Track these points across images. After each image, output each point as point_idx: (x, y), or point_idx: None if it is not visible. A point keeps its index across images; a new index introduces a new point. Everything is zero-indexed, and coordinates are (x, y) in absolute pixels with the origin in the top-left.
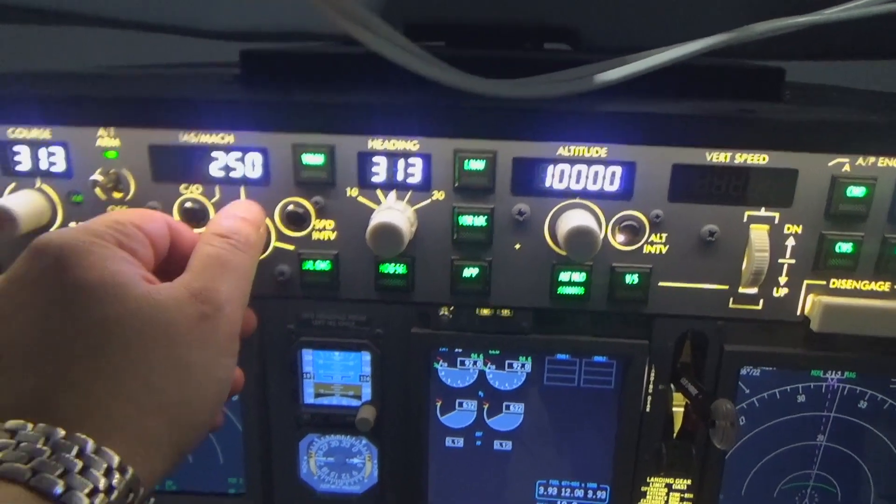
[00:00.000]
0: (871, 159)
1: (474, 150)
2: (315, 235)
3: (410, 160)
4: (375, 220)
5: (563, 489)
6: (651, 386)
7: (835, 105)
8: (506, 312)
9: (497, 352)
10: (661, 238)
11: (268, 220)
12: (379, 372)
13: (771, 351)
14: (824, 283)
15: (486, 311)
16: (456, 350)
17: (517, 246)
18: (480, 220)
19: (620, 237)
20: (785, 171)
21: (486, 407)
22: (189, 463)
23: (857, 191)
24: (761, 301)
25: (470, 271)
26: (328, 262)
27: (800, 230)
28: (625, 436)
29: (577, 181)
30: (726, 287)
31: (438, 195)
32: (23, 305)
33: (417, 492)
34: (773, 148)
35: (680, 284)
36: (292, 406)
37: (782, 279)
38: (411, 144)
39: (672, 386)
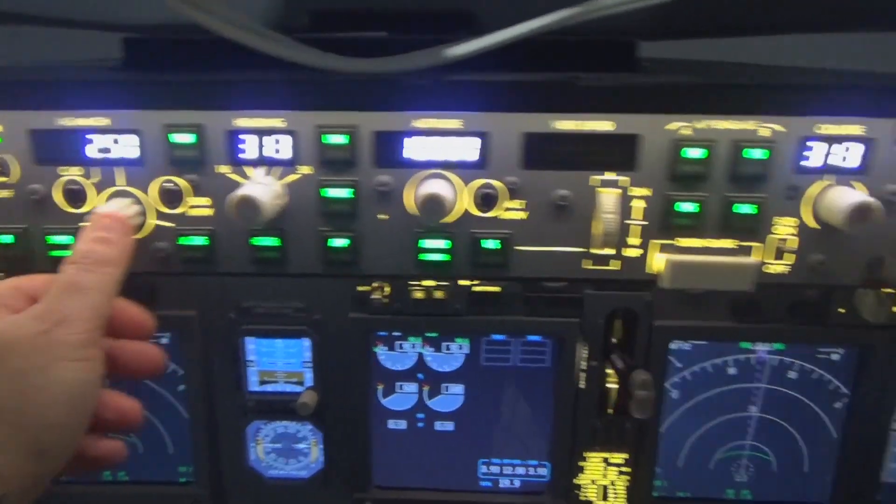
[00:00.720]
0: (709, 122)
1: (335, 124)
2: (191, 212)
3: (277, 137)
4: (233, 192)
5: (504, 467)
6: (584, 363)
7: (683, 73)
8: (439, 294)
9: (435, 334)
10: (518, 204)
11: (146, 199)
12: (319, 357)
13: (699, 325)
14: (671, 241)
15: (419, 294)
16: (395, 333)
17: (382, 216)
18: (345, 192)
19: (479, 204)
20: (628, 137)
21: (426, 389)
22: (139, 453)
23: (695, 152)
24: (614, 262)
25: (338, 242)
26: (205, 237)
27: (647, 192)
28: (561, 413)
29: (436, 152)
30: (580, 249)
31: (306, 169)
32: None
33: (363, 474)
34: (608, 111)
35: (538, 248)
36: (237, 394)
37: (632, 240)
38: (278, 121)
39: (605, 362)
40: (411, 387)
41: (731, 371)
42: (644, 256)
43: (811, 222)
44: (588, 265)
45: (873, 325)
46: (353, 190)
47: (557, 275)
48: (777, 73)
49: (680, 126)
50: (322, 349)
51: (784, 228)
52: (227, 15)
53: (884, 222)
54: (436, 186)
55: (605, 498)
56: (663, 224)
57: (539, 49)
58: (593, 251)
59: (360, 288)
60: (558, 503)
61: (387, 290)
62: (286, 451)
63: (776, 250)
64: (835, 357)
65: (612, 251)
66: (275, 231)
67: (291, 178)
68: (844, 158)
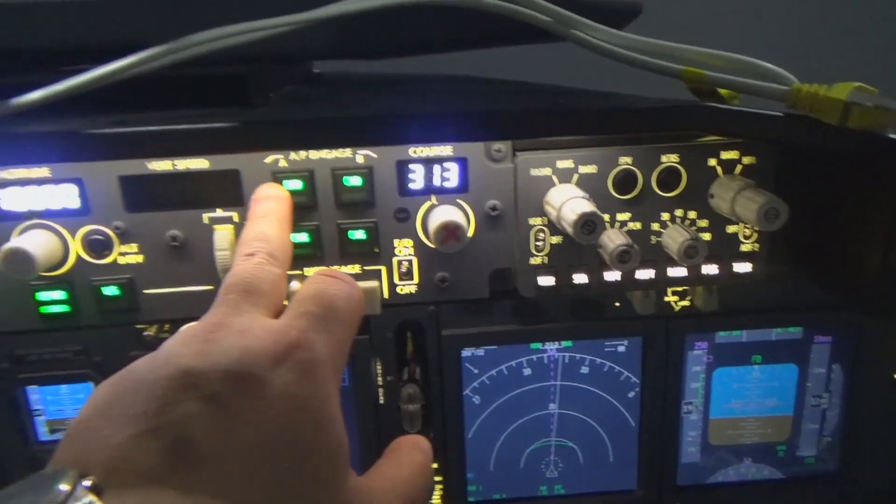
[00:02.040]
0: (304, 154)
1: None
2: None
3: None
4: None
5: None
6: (380, 379)
7: (306, 104)
8: None
9: None
10: (132, 248)
11: None
12: None
13: (487, 330)
14: (300, 272)
15: None
16: None
17: None
18: None
19: (91, 252)
20: (227, 172)
21: None
22: None
23: (295, 184)
24: None
25: None
26: None
27: None
28: (365, 430)
29: (35, 202)
30: (212, 287)
31: None
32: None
33: None
34: (201, 153)
35: (166, 290)
36: (23, 446)
37: None
38: None
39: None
40: None
41: (526, 372)
42: None
43: (426, 242)
44: None
45: (649, 315)
46: None
47: (194, 314)
48: (374, 105)
49: (277, 158)
50: None
51: (403, 250)
52: None
53: (487, 235)
54: (25, 239)
55: None
56: None
57: (156, 85)
58: None
59: (137, 325)
60: None
61: (166, 326)
62: None
63: (401, 271)
64: (621, 349)
65: None
66: None
67: None
68: (445, 178)
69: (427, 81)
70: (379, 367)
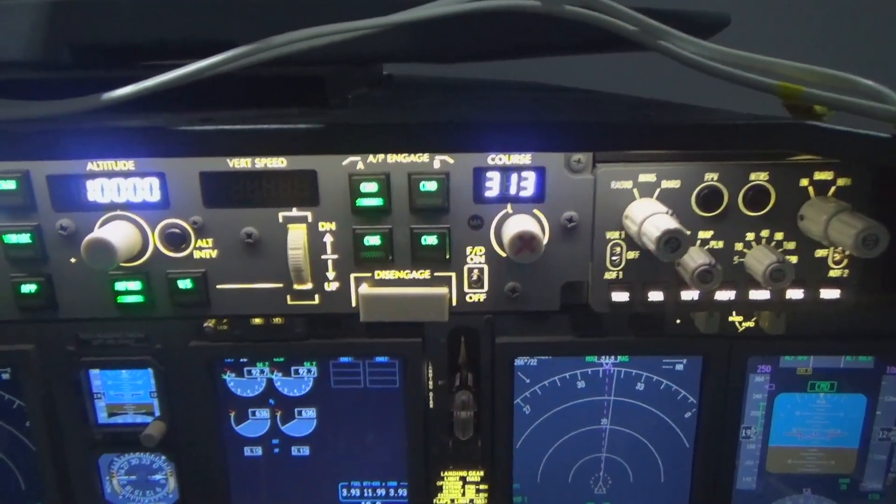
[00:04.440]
0: (381, 156)
1: (4, 170)
2: None
3: None
4: None
5: (365, 489)
6: (431, 383)
7: (383, 107)
8: (278, 319)
9: (282, 359)
10: (207, 243)
11: None
12: (165, 387)
13: (542, 340)
14: (369, 274)
15: (258, 320)
16: (242, 360)
17: (73, 259)
18: (25, 238)
19: (168, 245)
20: (304, 172)
21: (278, 414)
22: None
23: (370, 186)
24: (317, 296)
25: (29, 287)
26: None
27: (333, 227)
28: (413, 433)
29: (118, 194)
30: (281, 285)
31: None
32: None
33: (221, 503)
34: (281, 153)
35: (237, 286)
36: (83, 427)
37: (330, 274)
38: None
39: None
40: (263, 413)
41: (581, 385)
42: (342, 290)
43: (500, 251)
44: (291, 301)
45: (710, 335)
46: (32, 234)
47: (262, 311)
48: (451, 111)
49: (354, 160)
50: (167, 379)
51: (475, 257)
52: None
53: (559, 249)
54: (107, 230)
55: None
56: (357, 257)
57: (238, 84)
58: (295, 287)
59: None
60: None
61: (225, 321)
62: (142, 483)
63: (470, 279)
64: (679, 367)
65: (308, 286)
66: None
67: None
68: (522, 187)
69: (498, 87)
70: (430, 372)
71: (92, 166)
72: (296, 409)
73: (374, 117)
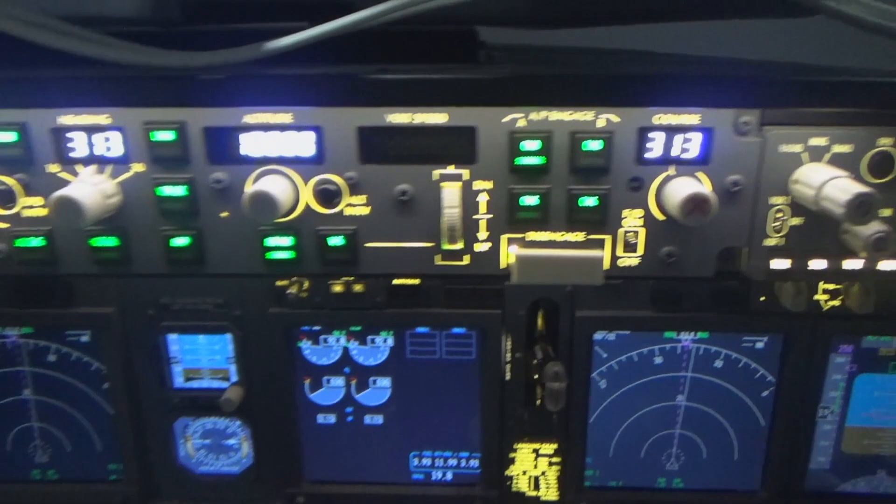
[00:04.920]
0: (544, 113)
1: (162, 121)
2: (25, 213)
3: (106, 134)
4: (53, 194)
5: (436, 459)
6: (509, 354)
7: (525, 63)
8: (358, 288)
9: (358, 328)
10: (359, 200)
11: None
12: (243, 353)
13: (622, 314)
14: (522, 235)
15: (338, 288)
16: (318, 328)
17: (224, 214)
18: (180, 190)
19: (320, 201)
20: (464, 129)
21: (353, 383)
22: (67, 451)
23: (532, 145)
24: (466, 257)
25: (180, 241)
26: (41, 238)
27: (489, 185)
28: (489, 405)
29: (272, 148)
30: (431, 244)
31: (138, 167)
32: None
33: (294, 469)
34: (442, 104)
35: (386, 244)
36: (161, 391)
37: (481, 234)
38: (103, 118)
39: (530, 354)
40: (338, 381)
41: (658, 360)
42: (492, 250)
43: (658, 214)
44: (440, 261)
45: (794, 313)
46: (187, 187)
47: (409, 271)
48: (615, 63)
49: (516, 117)
50: (245, 345)
51: (632, 220)
52: (21, 13)
53: (721, 212)
54: (265, 184)
55: (536, 488)
56: (510, 218)
57: (377, 39)
58: (445, 247)
59: (278, 283)
60: (490, 494)
61: (306, 284)
62: (216, 447)
63: (626, 243)
64: (759, 345)
65: (459, 246)
66: (114, 231)
67: (124, 176)
68: (685, 149)
69: (615, 53)
70: (508, 344)
71: (248, 119)
72: (370, 378)
73: (538, 70)
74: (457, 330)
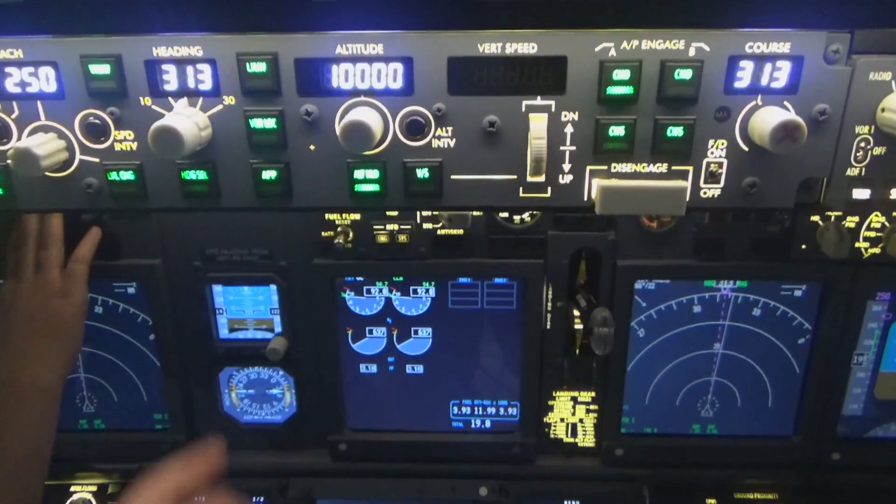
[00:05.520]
0: (635, 42)
1: (255, 52)
2: (117, 147)
3: (198, 66)
4: (154, 124)
5: (476, 408)
6: (550, 304)
7: None
8: (403, 238)
9: (401, 278)
10: (446, 132)
11: (69, 133)
12: (287, 304)
13: (663, 264)
14: (605, 167)
15: (383, 238)
16: (361, 279)
17: (312, 147)
18: (270, 123)
19: (407, 133)
20: (554, 59)
21: (395, 333)
22: (114, 401)
23: (622, 74)
24: (549, 189)
25: (269, 174)
26: (132, 171)
27: (576, 116)
28: (529, 354)
29: (362, 80)
30: (515, 177)
31: (229, 100)
32: None
33: (336, 417)
34: (532, 26)
35: (471, 177)
36: (207, 342)
37: (566, 166)
38: (195, 49)
39: (570, 303)
40: (380, 331)
41: (696, 309)
42: (576, 182)
43: (742, 144)
44: (523, 193)
45: (834, 261)
46: (277, 119)
47: (494, 203)
48: None
49: (607, 47)
50: (289, 295)
51: (716, 151)
52: None
53: (806, 141)
54: (360, 114)
55: (574, 435)
56: (596, 149)
57: None
58: (529, 179)
59: (323, 234)
60: (529, 441)
61: (351, 234)
62: (259, 396)
63: (708, 173)
64: (797, 293)
65: (542, 178)
66: (204, 164)
67: (216, 108)
68: (775, 77)
69: None
70: (549, 293)
71: (340, 50)
72: (412, 328)
73: None
74: (499, 280)
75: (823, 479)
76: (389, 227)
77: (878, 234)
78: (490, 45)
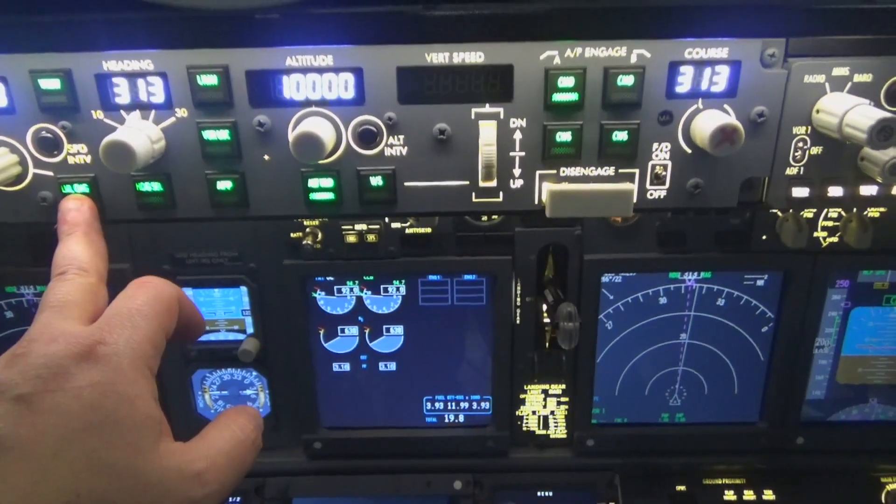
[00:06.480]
0: (579, 50)
1: (205, 65)
2: (71, 160)
3: (149, 79)
4: (104, 139)
5: (449, 403)
6: (519, 299)
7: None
8: (371, 238)
9: (371, 277)
10: (398, 140)
11: (22, 148)
12: (258, 305)
13: (629, 257)
14: (555, 171)
15: (352, 238)
16: (331, 278)
17: (266, 157)
18: (224, 134)
19: (360, 142)
20: (501, 68)
21: (367, 331)
22: None
23: (567, 81)
24: (501, 193)
25: (224, 184)
26: (86, 184)
27: (524, 123)
28: (499, 349)
29: (313, 90)
30: (467, 182)
31: (182, 112)
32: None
33: (310, 416)
34: (477, 40)
35: (424, 183)
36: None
37: (516, 171)
38: (145, 63)
39: (539, 298)
40: (352, 329)
41: (662, 301)
42: (526, 187)
43: (685, 147)
44: (476, 199)
45: (794, 251)
46: (230, 131)
47: (448, 209)
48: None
49: (551, 55)
50: (260, 297)
51: (660, 154)
52: None
53: (746, 142)
54: (310, 125)
55: (545, 427)
56: (544, 154)
57: None
58: (481, 184)
59: (292, 235)
60: (501, 434)
61: (319, 235)
62: (233, 397)
63: (653, 175)
64: (760, 283)
65: (493, 184)
66: (158, 176)
67: (169, 121)
68: (714, 82)
69: None
70: (518, 289)
71: (290, 61)
72: (384, 326)
73: (572, 4)
74: (468, 276)
75: (789, 463)
76: (358, 227)
77: (836, 224)
78: (438, 55)
